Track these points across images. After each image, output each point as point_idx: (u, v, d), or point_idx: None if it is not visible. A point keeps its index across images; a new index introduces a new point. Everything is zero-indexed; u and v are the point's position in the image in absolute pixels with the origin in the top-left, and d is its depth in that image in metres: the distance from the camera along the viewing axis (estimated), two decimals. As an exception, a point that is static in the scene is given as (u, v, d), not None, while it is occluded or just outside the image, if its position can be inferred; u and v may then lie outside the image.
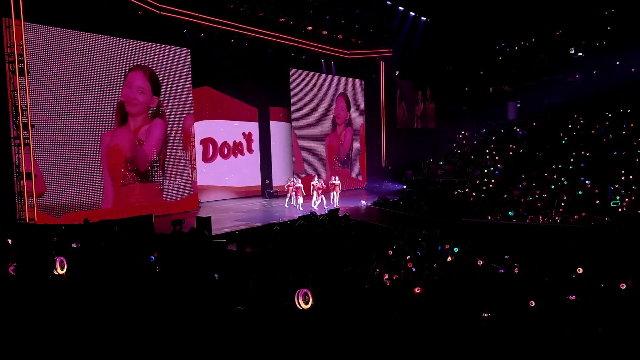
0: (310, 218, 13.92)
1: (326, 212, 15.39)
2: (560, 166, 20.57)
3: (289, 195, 17.66)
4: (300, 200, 17.27)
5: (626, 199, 16.67)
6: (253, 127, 21.32)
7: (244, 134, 20.94)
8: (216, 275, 7.19)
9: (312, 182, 18.04)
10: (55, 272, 4.34)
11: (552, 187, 18.80)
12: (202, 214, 14.65)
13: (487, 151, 24.62)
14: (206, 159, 19.33)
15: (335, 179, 18.44)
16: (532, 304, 5.76)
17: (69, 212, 13.46)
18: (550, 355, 4.25)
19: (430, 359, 4.04)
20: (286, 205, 17.54)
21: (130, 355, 3.74)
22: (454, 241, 11.07)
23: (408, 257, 10.13)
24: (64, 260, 4.36)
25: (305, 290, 4.22)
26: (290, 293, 4.78)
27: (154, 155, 15.95)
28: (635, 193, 16.96)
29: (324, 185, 18.01)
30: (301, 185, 17.58)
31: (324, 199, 17.83)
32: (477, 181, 21.28)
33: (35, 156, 12.74)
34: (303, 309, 4.19)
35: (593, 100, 24.26)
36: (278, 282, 6.73)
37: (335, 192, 18.16)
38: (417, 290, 6.14)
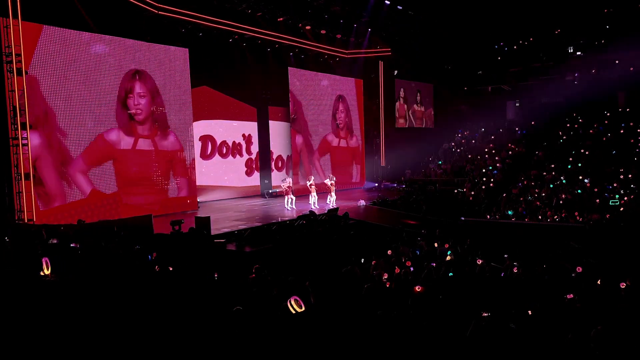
0: (309, 218, 13.92)
1: (325, 211, 15.40)
2: (559, 165, 20.58)
3: (285, 196, 17.70)
4: (291, 199, 17.30)
5: (625, 198, 16.69)
6: (252, 127, 21.30)
7: (243, 135, 20.91)
8: (215, 275, 7.19)
9: (308, 182, 18.07)
10: (42, 273, 4.34)
11: (551, 186, 18.82)
12: (201, 213, 14.65)
13: (486, 150, 24.63)
14: (205, 156, 19.31)
15: (331, 179, 18.41)
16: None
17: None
18: (550, 354, 4.25)
19: (430, 359, 4.04)
20: (286, 206, 17.53)
21: (129, 355, 3.73)
22: (453, 240, 11.09)
23: (406, 257, 10.14)
24: (48, 260, 4.36)
25: (294, 297, 4.25)
26: (289, 293, 4.78)
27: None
28: (634, 192, 16.98)
29: (313, 185, 18.10)
30: (292, 185, 17.69)
31: (316, 197, 17.87)
32: (476, 180, 21.30)
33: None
34: (298, 312, 4.21)
35: (592, 99, 24.28)
36: (277, 282, 6.73)
37: (331, 192, 18.14)
38: (417, 288, 6.14)
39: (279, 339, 3.90)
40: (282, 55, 21.15)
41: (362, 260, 10.10)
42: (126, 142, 15.23)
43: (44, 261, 4.33)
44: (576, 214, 16.15)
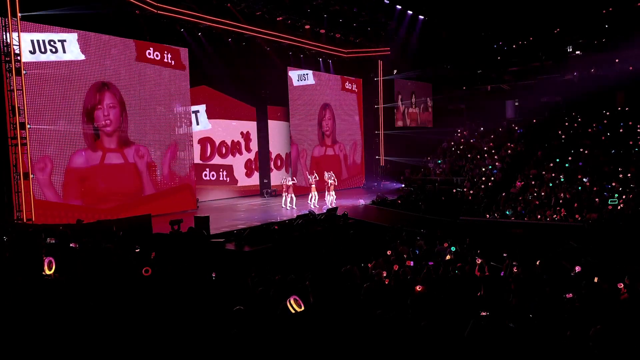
0: (308, 217, 13.92)
1: (324, 210, 15.40)
2: (558, 164, 20.59)
3: (283, 194, 17.69)
4: (290, 198, 17.30)
5: (624, 196, 16.70)
6: (251, 126, 21.30)
7: (242, 133, 20.92)
8: (214, 275, 7.19)
9: (309, 181, 18.08)
10: (44, 273, 4.32)
11: (550, 185, 18.83)
12: (200, 213, 14.64)
13: (485, 150, 24.63)
14: (204, 158, 19.32)
15: (331, 178, 18.42)
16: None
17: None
18: (549, 354, 4.26)
19: (429, 358, 4.04)
20: (282, 205, 17.55)
21: (129, 355, 3.73)
22: (452, 240, 11.10)
23: (406, 255, 10.14)
24: (52, 260, 4.34)
25: (294, 296, 4.25)
26: (289, 292, 4.78)
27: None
28: (633, 191, 16.99)
29: (315, 181, 18.05)
30: (291, 184, 17.68)
31: (316, 196, 17.87)
32: (476, 179, 21.30)
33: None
34: (298, 311, 4.21)
35: (591, 98, 24.29)
36: (277, 282, 6.73)
37: (330, 191, 18.14)
38: (418, 288, 6.14)
39: (279, 338, 3.90)
40: (281, 55, 21.13)
41: (362, 264, 10.07)
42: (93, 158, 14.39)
43: (47, 261, 4.31)
44: (577, 216, 16.15)
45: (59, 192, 13.54)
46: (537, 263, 8.62)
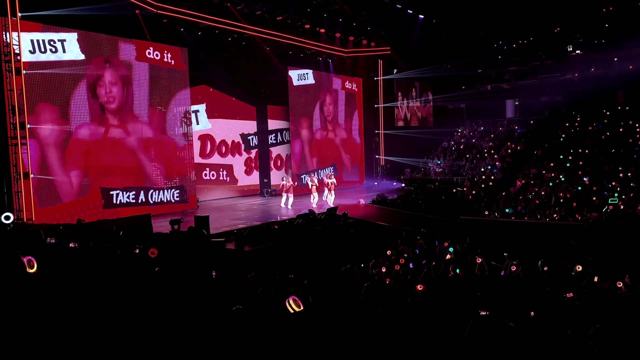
0: (308, 217, 13.92)
1: (324, 209, 15.40)
2: (558, 163, 20.60)
3: (283, 194, 17.70)
4: (291, 199, 17.31)
5: (624, 196, 16.70)
6: (251, 126, 21.30)
7: (242, 135, 20.94)
8: (214, 274, 7.19)
9: (309, 181, 18.07)
10: (27, 271, 4.30)
11: (550, 184, 18.83)
12: (200, 212, 14.64)
13: (485, 149, 24.64)
14: (204, 155, 19.32)
15: (330, 177, 18.42)
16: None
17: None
18: (548, 353, 4.26)
19: (429, 358, 4.04)
20: (282, 205, 17.55)
21: (129, 354, 3.73)
22: (452, 239, 11.10)
23: (406, 255, 10.16)
24: (32, 259, 4.33)
25: (293, 297, 4.25)
26: (289, 291, 4.78)
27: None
28: (633, 190, 16.99)
29: (316, 183, 18.03)
30: (292, 184, 17.68)
31: (316, 196, 17.87)
32: (476, 179, 21.30)
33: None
34: (297, 311, 4.21)
35: (591, 97, 24.29)
36: (277, 281, 6.74)
37: (330, 191, 18.13)
38: (419, 287, 6.14)
39: (279, 338, 3.90)
40: (281, 54, 21.12)
41: (362, 265, 10.08)
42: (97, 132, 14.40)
43: (25, 260, 4.29)
44: (577, 215, 16.15)
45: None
46: (539, 264, 8.61)
